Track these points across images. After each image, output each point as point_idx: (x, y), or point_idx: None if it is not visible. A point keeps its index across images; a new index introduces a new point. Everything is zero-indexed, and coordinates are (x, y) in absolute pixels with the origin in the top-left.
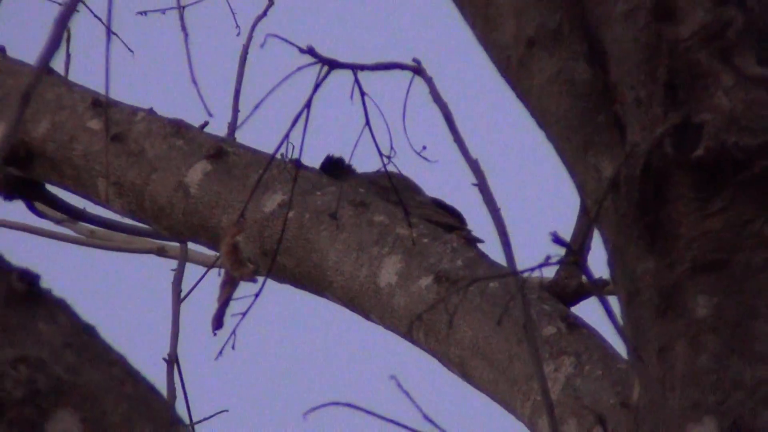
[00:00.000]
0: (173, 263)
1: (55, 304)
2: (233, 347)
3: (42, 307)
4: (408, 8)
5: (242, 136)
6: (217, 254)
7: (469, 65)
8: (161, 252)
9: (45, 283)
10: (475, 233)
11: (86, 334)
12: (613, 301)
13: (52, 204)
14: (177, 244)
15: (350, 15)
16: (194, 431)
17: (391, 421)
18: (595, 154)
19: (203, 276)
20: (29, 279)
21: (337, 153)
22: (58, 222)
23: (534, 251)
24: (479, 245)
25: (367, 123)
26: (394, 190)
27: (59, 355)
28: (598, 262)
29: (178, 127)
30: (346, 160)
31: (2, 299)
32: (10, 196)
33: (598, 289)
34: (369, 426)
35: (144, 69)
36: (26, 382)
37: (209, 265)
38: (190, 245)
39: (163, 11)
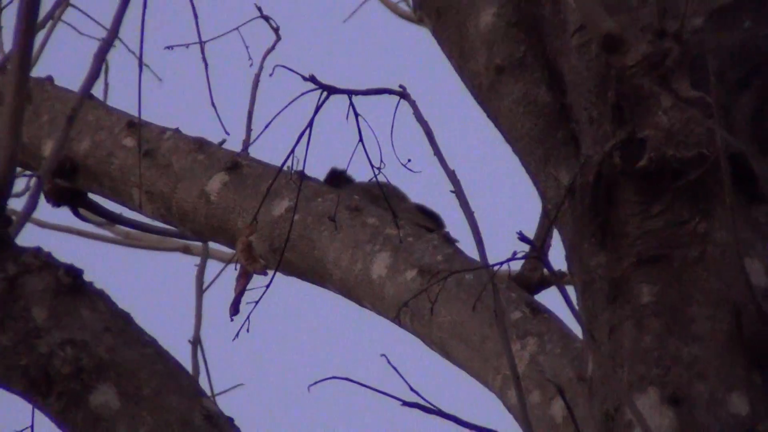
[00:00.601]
0: (196, 260)
1: (96, 294)
2: (248, 330)
3: (85, 297)
4: (396, 41)
5: (254, 152)
6: (234, 252)
7: (447, 90)
8: (186, 250)
9: (87, 277)
10: (453, 234)
11: (123, 320)
12: (570, 290)
13: (93, 209)
14: (200, 244)
15: (346, 46)
16: (215, 403)
17: (382, 392)
18: (554, 165)
19: (222, 270)
20: (74, 273)
21: (339, 166)
22: (98, 225)
23: (503, 248)
24: (456, 244)
25: (361, 139)
26: (384, 197)
27: (100, 337)
28: (557, 257)
29: (200, 143)
30: (347, 172)
31: (51, 291)
32: (58, 204)
33: (557, 279)
34: (363, 396)
35: (171, 94)
36: (72, 360)
37: (227, 262)
38: (211, 244)
39: (187, 46)
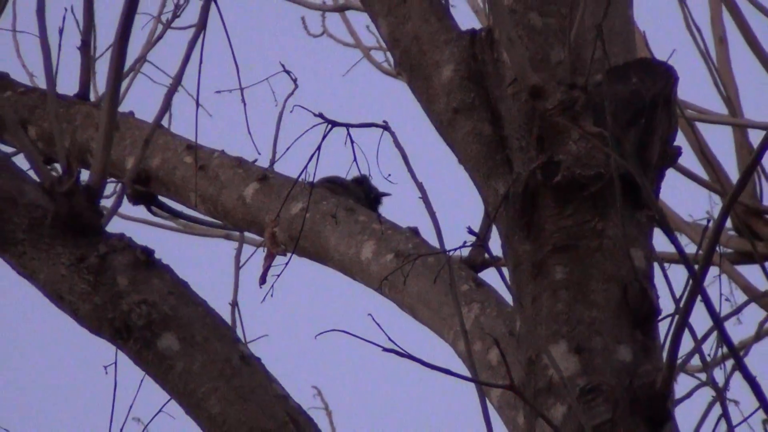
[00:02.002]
0: (235, 244)
1: (163, 268)
2: (272, 296)
3: (155, 270)
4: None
5: (279, 167)
6: (262, 239)
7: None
8: (227, 237)
9: (157, 255)
10: (421, 229)
11: (182, 286)
12: (504, 270)
13: (162, 208)
14: (237, 233)
15: (346, 91)
16: (248, 348)
17: (369, 341)
18: (494, 179)
19: (254, 252)
20: (148, 252)
21: (329, 175)
22: (165, 218)
23: (456, 238)
24: (419, 233)
25: (355, 159)
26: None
27: (166, 299)
28: (495, 245)
29: (240, 161)
30: (340, 178)
31: (131, 265)
32: (136, 203)
33: (495, 262)
34: (356, 346)
35: (219, 125)
36: (146, 315)
37: (257, 246)
38: (246, 233)
39: (230, 91)
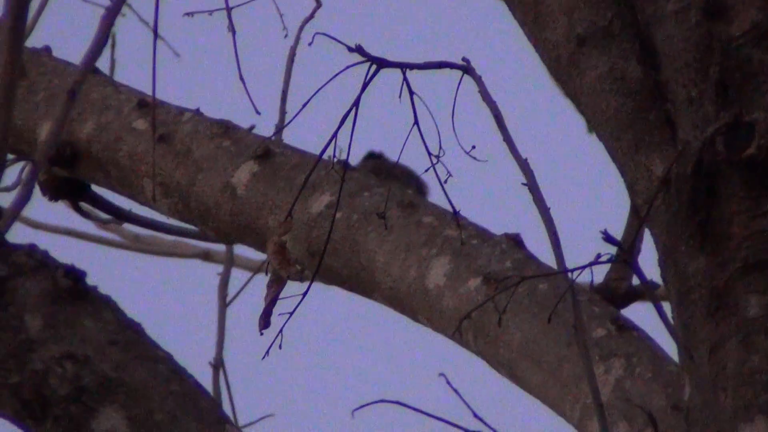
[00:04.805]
0: (219, 267)
1: (101, 301)
2: (280, 347)
3: (88, 304)
4: (457, 6)
5: (289, 137)
6: (264, 257)
7: (518, 64)
8: (207, 257)
9: (90, 280)
10: (524, 235)
11: (132, 331)
12: (665, 304)
13: (97, 204)
14: (223, 248)
15: (398, 15)
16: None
17: (441, 419)
18: (645, 152)
19: (249, 280)
20: (75, 275)
21: (377, 149)
22: (102, 224)
23: (584, 251)
24: (522, 242)
25: (416, 122)
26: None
27: (105, 352)
28: (648, 262)
29: (226, 127)
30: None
31: (48, 296)
32: (55, 197)
33: (648, 290)
34: (418, 425)
35: (190, 70)
36: (72, 379)
37: (255, 270)
38: (236, 248)
39: (210, 12)
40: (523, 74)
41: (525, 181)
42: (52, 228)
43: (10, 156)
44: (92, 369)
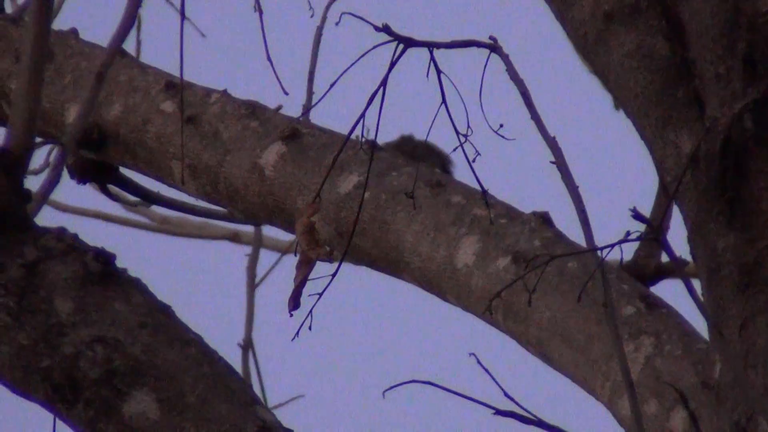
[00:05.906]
0: (247, 248)
1: (130, 284)
2: (310, 328)
3: (117, 287)
4: None
5: (317, 117)
6: (293, 238)
7: (545, 42)
8: (235, 238)
9: (120, 263)
10: (553, 214)
11: (162, 314)
12: (694, 281)
13: (125, 187)
14: (251, 229)
15: None
16: (272, 412)
17: (472, 399)
18: (674, 129)
19: (278, 261)
20: (105, 259)
21: (408, 133)
22: (130, 206)
23: (613, 230)
24: (551, 220)
25: (444, 101)
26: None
27: (135, 335)
28: (677, 239)
29: (253, 108)
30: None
31: (78, 279)
32: (83, 180)
33: (678, 267)
34: (449, 404)
35: (217, 51)
36: (102, 362)
37: (284, 251)
38: (265, 229)
39: None
40: (550, 52)
41: (553, 159)
42: (80, 211)
43: (39, 139)
44: (123, 352)
